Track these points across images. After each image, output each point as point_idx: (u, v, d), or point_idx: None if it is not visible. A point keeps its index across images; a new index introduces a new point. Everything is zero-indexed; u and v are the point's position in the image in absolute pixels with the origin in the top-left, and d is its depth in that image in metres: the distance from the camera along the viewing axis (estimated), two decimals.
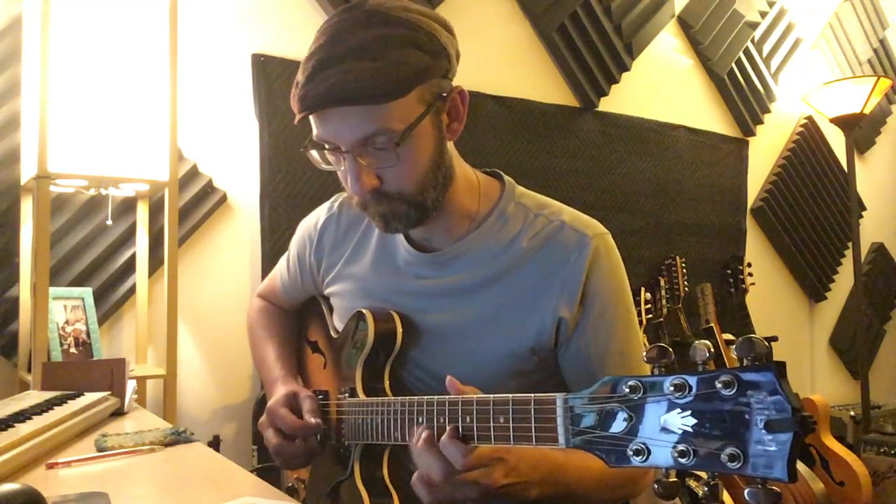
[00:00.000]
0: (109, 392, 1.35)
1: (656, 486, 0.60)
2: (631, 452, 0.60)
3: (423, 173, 0.94)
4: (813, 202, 3.83)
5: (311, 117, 0.91)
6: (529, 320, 0.99)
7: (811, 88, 3.51)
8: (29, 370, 1.77)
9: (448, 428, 0.79)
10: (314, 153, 0.95)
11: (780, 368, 0.53)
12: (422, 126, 0.91)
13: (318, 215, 1.22)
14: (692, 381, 0.57)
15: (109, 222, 1.98)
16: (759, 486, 0.53)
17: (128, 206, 2.06)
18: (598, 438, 0.64)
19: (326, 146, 0.92)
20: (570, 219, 1.03)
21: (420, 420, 0.84)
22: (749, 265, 3.40)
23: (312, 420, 1.03)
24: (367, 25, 0.87)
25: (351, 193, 0.96)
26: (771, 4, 3.63)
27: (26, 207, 1.90)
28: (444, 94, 0.94)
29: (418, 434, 0.81)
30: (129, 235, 2.06)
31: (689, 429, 0.57)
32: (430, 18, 0.92)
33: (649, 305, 2.96)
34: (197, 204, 2.15)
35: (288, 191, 2.26)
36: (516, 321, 0.99)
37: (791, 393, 0.53)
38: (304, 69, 0.89)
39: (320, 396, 1.11)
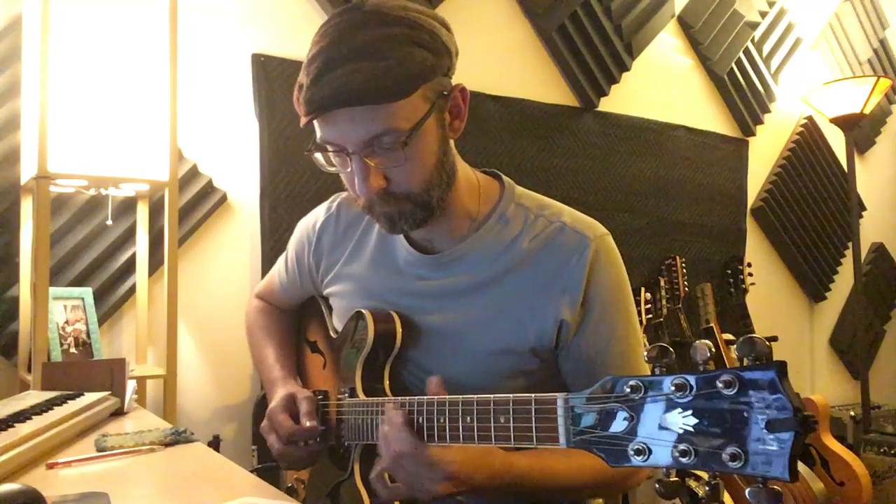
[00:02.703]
0: (109, 392, 1.36)
1: (657, 485, 0.60)
2: (632, 452, 0.60)
3: (429, 172, 0.94)
4: (813, 202, 3.83)
5: (315, 120, 0.91)
6: (530, 321, 0.99)
7: (811, 88, 3.51)
8: (29, 370, 1.77)
9: (401, 416, 0.85)
10: (318, 156, 0.95)
11: (781, 368, 0.53)
12: (427, 125, 0.91)
13: (317, 216, 1.21)
14: (693, 380, 0.57)
15: (109, 222, 1.98)
16: (760, 486, 0.53)
17: (128, 206, 2.05)
18: (598, 438, 0.64)
19: (331, 148, 0.92)
20: (571, 220, 1.03)
21: (420, 420, 0.84)
22: (749, 265, 3.40)
23: (307, 423, 1.03)
24: (369, 25, 0.87)
25: (357, 195, 0.95)
26: (771, 4, 3.63)
27: (26, 207, 1.90)
28: (446, 93, 0.94)
29: (396, 415, 0.86)
30: (129, 235, 2.06)
31: (690, 428, 0.57)
32: (429, 17, 0.92)
33: (649, 305, 2.96)
34: (197, 204, 2.15)
35: (288, 191, 2.26)
36: (517, 322, 0.99)
37: (792, 392, 0.53)
38: (307, 72, 0.88)
39: (320, 397, 1.11)
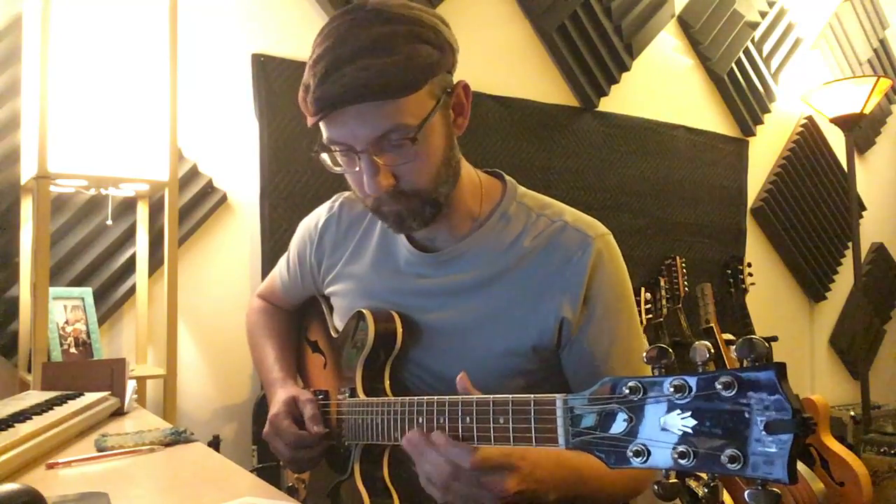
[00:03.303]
0: (109, 392, 1.35)
1: (656, 487, 0.60)
2: (631, 453, 0.60)
3: (436, 168, 0.94)
4: (813, 202, 3.83)
5: (322, 120, 0.91)
6: (531, 320, 0.99)
7: (811, 88, 3.51)
8: (29, 370, 1.77)
9: (443, 432, 0.79)
10: (325, 157, 0.95)
11: (780, 369, 0.53)
12: (433, 120, 0.91)
13: (319, 215, 1.22)
14: (692, 381, 0.57)
15: (109, 222, 1.98)
16: (760, 488, 0.53)
17: (128, 206, 2.05)
18: (597, 439, 0.63)
19: (339, 148, 0.92)
20: (573, 219, 1.03)
21: (420, 420, 0.84)
22: (749, 265, 3.40)
23: (315, 428, 1.03)
24: (373, 24, 0.87)
25: (367, 193, 0.94)
26: (771, 4, 3.63)
27: (26, 207, 1.90)
28: (450, 89, 0.94)
29: (414, 436, 0.81)
30: (129, 235, 2.06)
31: (689, 430, 0.57)
32: (431, 14, 0.93)
33: (649, 305, 2.96)
34: (197, 204, 2.15)
35: (288, 191, 2.26)
36: (517, 320, 0.99)
37: (791, 394, 0.53)
38: (314, 72, 0.88)
39: (320, 396, 1.11)
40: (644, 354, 0.61)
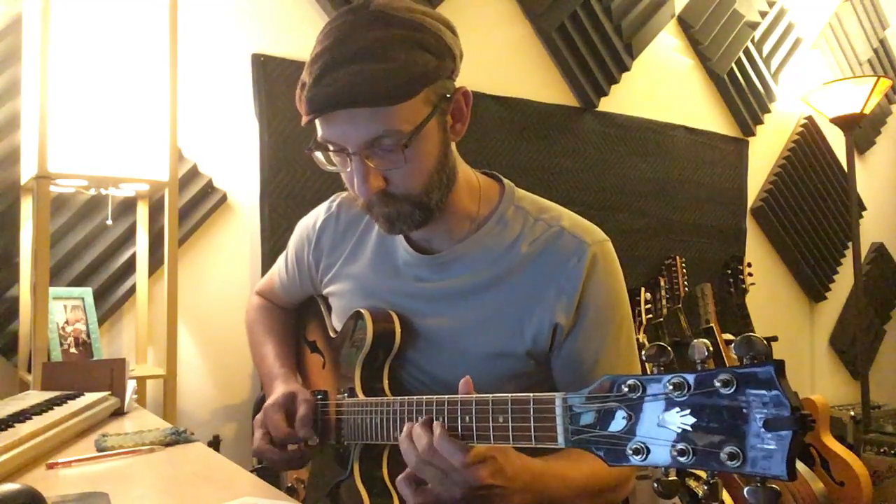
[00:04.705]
0: (109, 392, 1.36)
1: (656, 484, 0.60)
2: (630, 451, 0.60)
3: (428, 174, 0.94)
4: (813, 202, 3.83)
5: (316, 119, 0.91)
6: (526, 324, 0.99)
7: (811, 88, 3.51)
8: (29, 370, 1.77)
9: (441, 427, 0.78)
10: (319, 154, 0.95)
11: (778, 367, 0.53)
12: (428, 127, 0.91)
13: (317, 215, 1.22)
14: (691, 379, 0.57)
15: (109, 222, 1.98)
16: (759, 485, 0.53)
17: (128, 206, 2.06)
18: (596, 437, 0.64)
19: (332, 148, 0.92)
20: (570, 225, 1.03)
21: (419, 420, 0.84)
22: (749, 265, 3.40)
23: (301, 431, 1.03)
24: (373, 26, 0.87)
25: (357, 195, 0.95)
26: (771, 4, 3.63)
27: (26, 207, 1.90)
28: (449, 95, 0.94)
29: (406, 428, 0.81)
30: (129, 235, 2.06)
31: (689, 427, 0.57)
32: (435, 19, 0.92)
33: (649, 305, 2.95)
34: (197, 204, 2.15)
35: (288, 191, 2.26)
36: (513, 325, 0.99)
37: (790, 391, 0.53)
38: (310, 71, 0.88)
39: (319, 396, 1.11)
40: (643, 353, 0.61)
